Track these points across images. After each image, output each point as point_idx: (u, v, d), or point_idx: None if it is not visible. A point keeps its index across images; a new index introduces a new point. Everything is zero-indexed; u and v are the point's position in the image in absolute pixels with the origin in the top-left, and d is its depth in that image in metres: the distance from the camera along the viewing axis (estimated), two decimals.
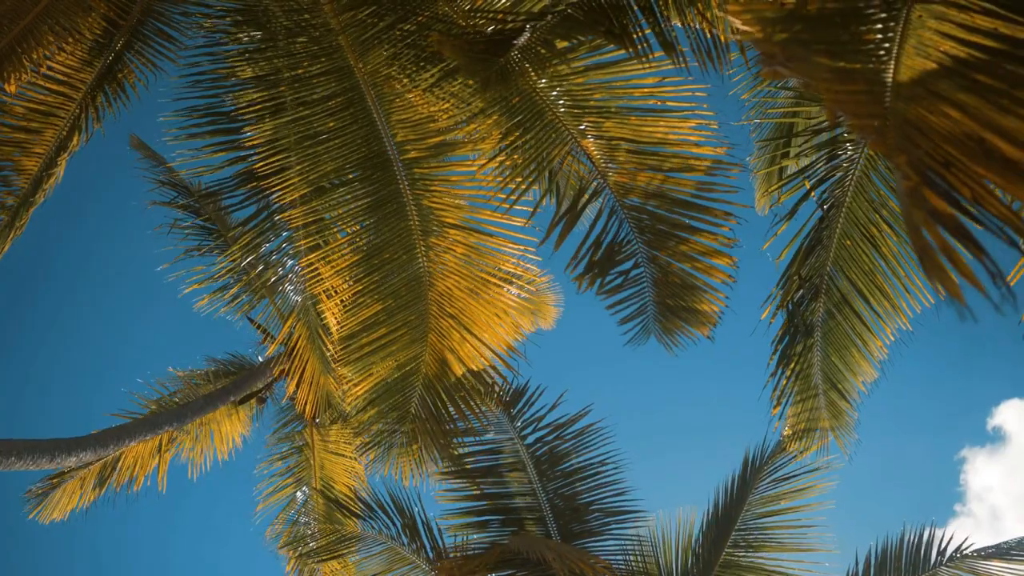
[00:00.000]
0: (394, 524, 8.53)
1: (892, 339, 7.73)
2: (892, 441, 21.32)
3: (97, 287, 21.76)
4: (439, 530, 8.60)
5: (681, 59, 6.13)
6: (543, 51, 6.11)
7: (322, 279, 7.48)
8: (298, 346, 8.32)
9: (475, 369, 7.50)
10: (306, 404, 8.98)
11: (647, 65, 6.33)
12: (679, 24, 6.20)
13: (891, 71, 2.71)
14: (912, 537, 8.45)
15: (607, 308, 7.32)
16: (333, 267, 7.46)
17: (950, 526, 21.66)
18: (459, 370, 7.47)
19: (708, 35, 6.24)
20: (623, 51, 6.32)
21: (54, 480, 11.43)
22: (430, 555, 8.41)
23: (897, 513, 22.03)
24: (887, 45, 2.90)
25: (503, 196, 6.85)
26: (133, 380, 21.23)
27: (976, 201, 1.68)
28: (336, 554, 8.94)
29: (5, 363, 21.02)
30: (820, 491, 8.71)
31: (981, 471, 23.31)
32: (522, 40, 5.82)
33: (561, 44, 6.35)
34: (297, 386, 8.76)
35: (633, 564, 8.55)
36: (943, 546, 8.24)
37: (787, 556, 8.59)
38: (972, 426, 20.98)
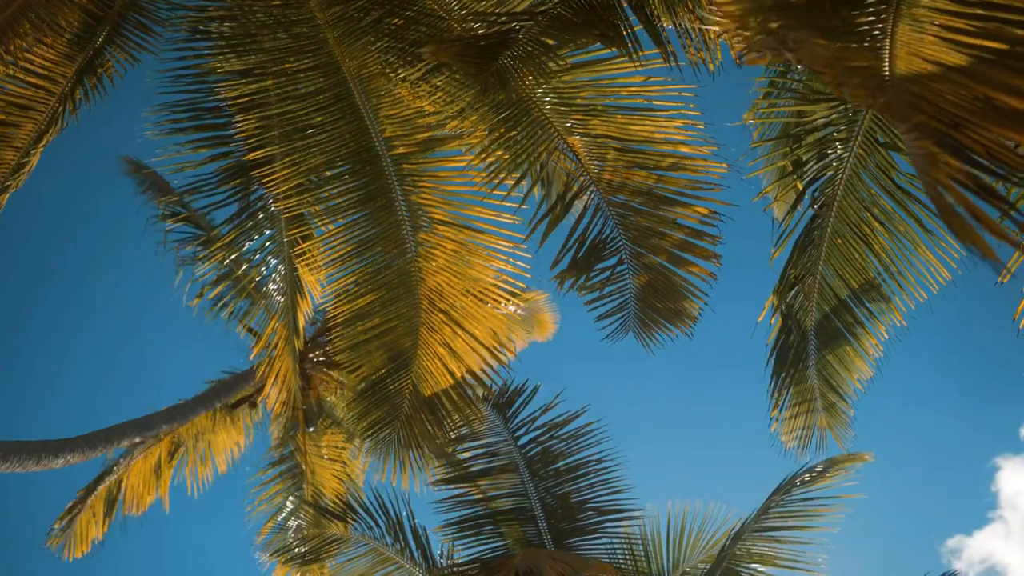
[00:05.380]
0: (378, 525, 8.44)
1: (887, 336, 7.71)
2: (925, 449, 21.46)
3: (99, 291, 21.72)
4: (425, 531, 8.52)
5: (672, 58, 6.13)
6: (535, 51, 6.07)
7: (310, 271, 7.44)
8: (278, 348, 8.21)
9: (468, 366, 7.44)
10: (288, 405, 8.84)
11: (636, 64, 6.31)
12: (670, 25, 6.19)
13: (887, 49, 2.67)
14: None
15: (586, 304, 7.28)
16: (314, 270, 7.43)
17: (983, 532, 21.85)
18: (453, 365, 7.41)
19: (696, 33, 6.22)
20: (611, 49, 6.33)
21: (66, 518, 11.49)
22: (415, 555, 8.33)
23: (930, 519, 22.09)
24: (881, 26, 2.87)
25: (492, 192, 6.81)
26: (135, 384, 21.30)
27: (992, 156, 1.62)
28: (320, 557, 8.81)
29: (7, 366, 20.90)
30: (837, 515, 8.55)
31: (1013, 478, 23.42)
32: (516, 41, 5.80)
33: (551, 42, 6.31)
34: (272, 387, 8.64)
35: (625, 563, 8.48)
36: None
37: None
38: (1005, 433, 21.12)
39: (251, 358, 12.25)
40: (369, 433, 7.85)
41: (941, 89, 2.03)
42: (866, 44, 2.88)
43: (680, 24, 6.15)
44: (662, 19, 6.16)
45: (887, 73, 2.54)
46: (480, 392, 7.78)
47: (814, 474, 8.56)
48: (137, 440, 9.93)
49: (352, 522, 8.55)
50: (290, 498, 13.26)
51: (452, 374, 7.43)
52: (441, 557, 8.49)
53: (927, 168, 1.63)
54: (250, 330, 11.94)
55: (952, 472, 21.86)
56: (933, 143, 1.70)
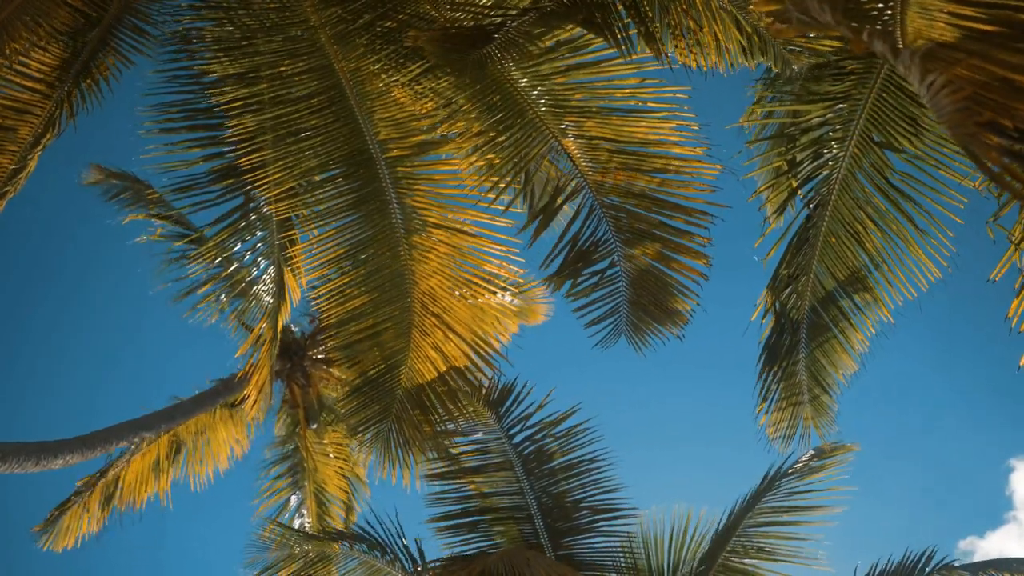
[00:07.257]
0: (370, 538, 8.39)
1: (873, 332, 7.76)
2: (940, 449, 21.51)
3: (99, 291, 21.52)
4: (418, 544, 8.49)
5: (664, 57, 6.15)
6: (522, 42, 6.07)
7: (296, 275, 7.44)
8: (264, 349, 8.16)
9: (459, 367, 7.42)
10: (253, 405, 8.75)
11: (629, 67, 6.34)
12: (664, 30, 6.22)
13: (898, 34, 2.70)
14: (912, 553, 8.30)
15: (575, 311, 7.24)
16: (303, 274, 7.44)
17: (996, 534, 21.92)
18: (444, 367, 7.39)
19: (690, 33, 6.25)
20: (605, 51, 6.35)
21: (58, 510, 11.29)
22: (406, 567, 8.28)
23: (941, 521, 22.11)
24: (890, 12, 2.90)
25: (486, 195, 6.81)
26: (135, 384, 21.12)
27: (1019, 129, 1.64)
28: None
29: (7, 366, 20.70)
30: (829, 509, 8.53)
31: None
32: (501, 33, 5.80)
33: (542, 44, 6.32)
34: (252, 388, 8.58)
35: (624, 562, 8.47)
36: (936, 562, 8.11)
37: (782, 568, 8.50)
38: (1020, 435, 21.24)
39: (236, 355, 12.14)
40: (360, 430, 7.84)
41: (959, 71, 2.05)
42: (878, 28, 2.92)
43: (673, 23, 6.17)
44: (656, 19, 6.18)
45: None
46: (470, 391, 7.76)
47: (800, 466, 8.56)
48: (136, 440, 9.87)
49: (351, 544, 8.52)
50: (292, 496, 13.23)
51: (444, 375, 7.42)
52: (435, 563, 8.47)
53: (958, 121, 1.64)
54: (250, 329, 11.86)
55: (964, 473, 21.95)
56: (967, 100, 1.71)
